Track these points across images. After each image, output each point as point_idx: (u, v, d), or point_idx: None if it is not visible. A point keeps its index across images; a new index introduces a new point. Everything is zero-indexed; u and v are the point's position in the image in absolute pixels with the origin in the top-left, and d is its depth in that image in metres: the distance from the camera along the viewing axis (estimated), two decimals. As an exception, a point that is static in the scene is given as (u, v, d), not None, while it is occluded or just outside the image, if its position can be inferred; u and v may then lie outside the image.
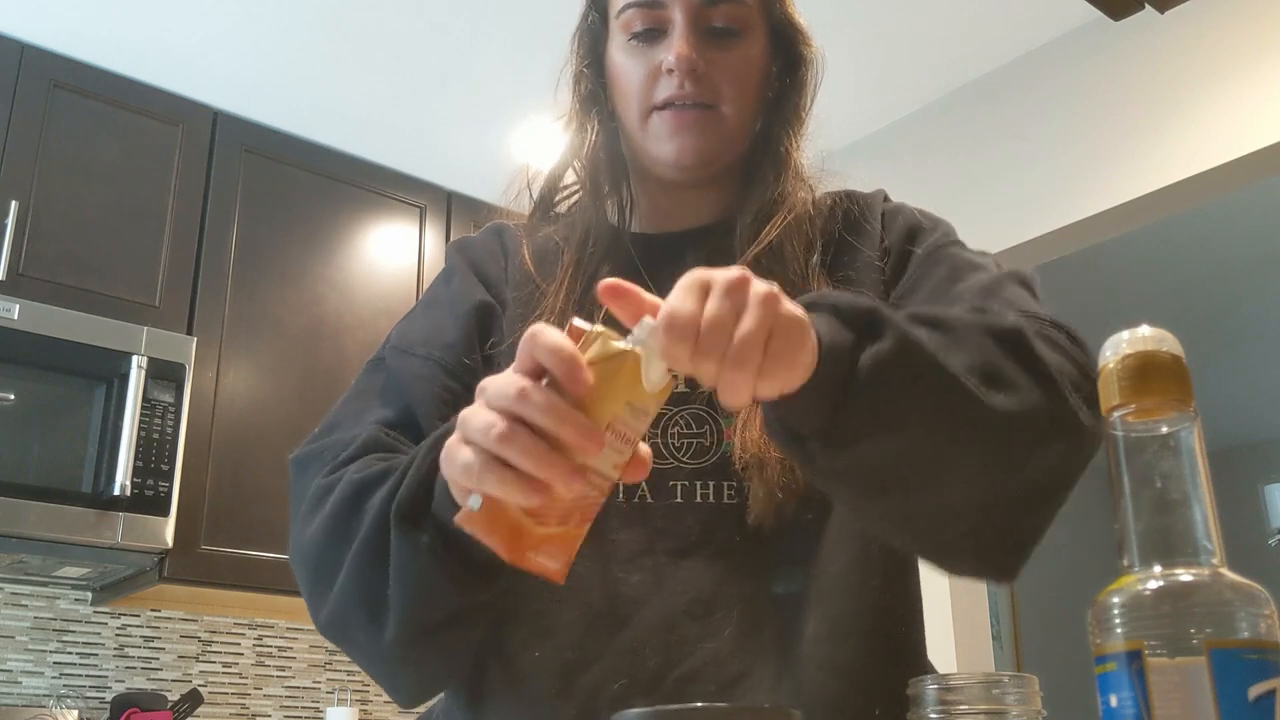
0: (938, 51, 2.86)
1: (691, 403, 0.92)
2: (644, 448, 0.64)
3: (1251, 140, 2.37)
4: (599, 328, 0.62)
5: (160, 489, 2.50)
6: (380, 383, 0.96)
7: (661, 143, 0.95)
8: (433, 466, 0.74)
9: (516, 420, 0.60)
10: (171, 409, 2.56)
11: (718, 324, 0.61)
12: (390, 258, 3.16)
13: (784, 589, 0.87)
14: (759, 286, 0.63)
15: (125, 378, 2.51)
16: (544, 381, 0.61)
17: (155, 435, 2.52)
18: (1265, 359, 4.80)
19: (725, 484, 0.89)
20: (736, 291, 0.62)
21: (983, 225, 2.79)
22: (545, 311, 0.93)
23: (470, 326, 0.95)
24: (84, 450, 2.46)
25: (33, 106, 2.66)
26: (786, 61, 1.01)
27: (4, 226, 2.51)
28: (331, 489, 0.85)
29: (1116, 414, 0.54)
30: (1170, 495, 0.52)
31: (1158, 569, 0.51)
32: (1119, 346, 0.55)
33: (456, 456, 0.63)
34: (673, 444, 0.90)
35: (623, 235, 0.99)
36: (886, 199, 1.04)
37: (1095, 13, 2.40)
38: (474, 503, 0.62)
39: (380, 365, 0.98)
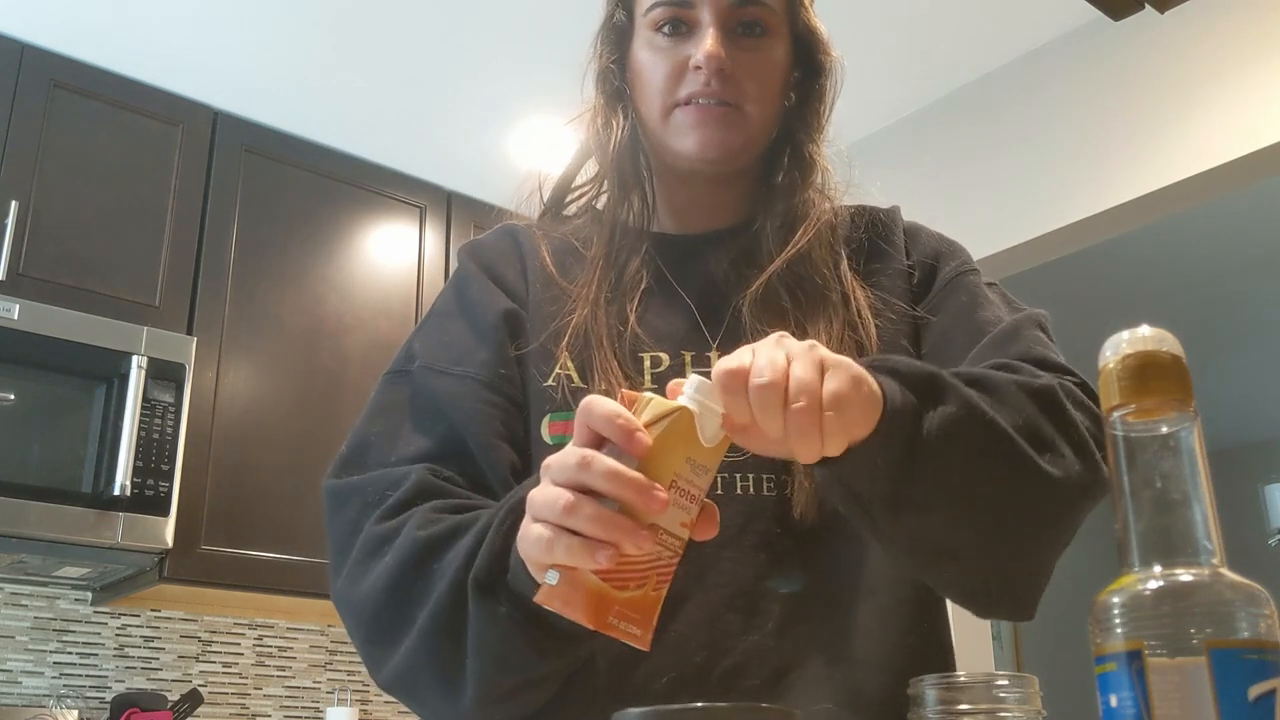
0: (937, 52, 2.86)
1: None
2: (710, 504, 0.66)
3: (1251, 140, 2.37)
4: (648, 393, 0.65)
5: (160, 489, 2.50)
6: (406, 398, 0.94)
7: (684, 136, 0.96)
8: (509, 535, 0.74)
9: (581, 490, 0.63)
10: (171, 409, 2.56)
11: (769, 368, 0.65)
12: (390, 258, 3.16)
13: (824, 584, 0.88)
14: (799, 343, 0.68)
15: (125, 378, 2.51)
16: (604, 449, 0.63)
17: (155, 435, 2.51)
18: (1265, 359, 4.80)
19: (764, 477, 0.90)
20: (781, 344, 0.67)
21: (983, 225, 2.79)
22: (580, 303, 0.94)
23: (500, 339, 0.94)
24: (84, 450, 2.46)
25: (33, 106, 2.66)
26: (806, 68, 1.03)
27: (4, 226, 2.51)
28: (388, 540, 0.83)
29: (1116, 414, 0.54)
30: (1170, 495, 0.52)
31: (1158, 569, 0.51)
32: (1119, 346, 0.55)
33: (529, 534, 0.66)
34: None
35: (646, 234, 1.00)
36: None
37: (1095, 13, 2.41)
38: (551, 578, 0.64)
39: (403, 379, 0.96)
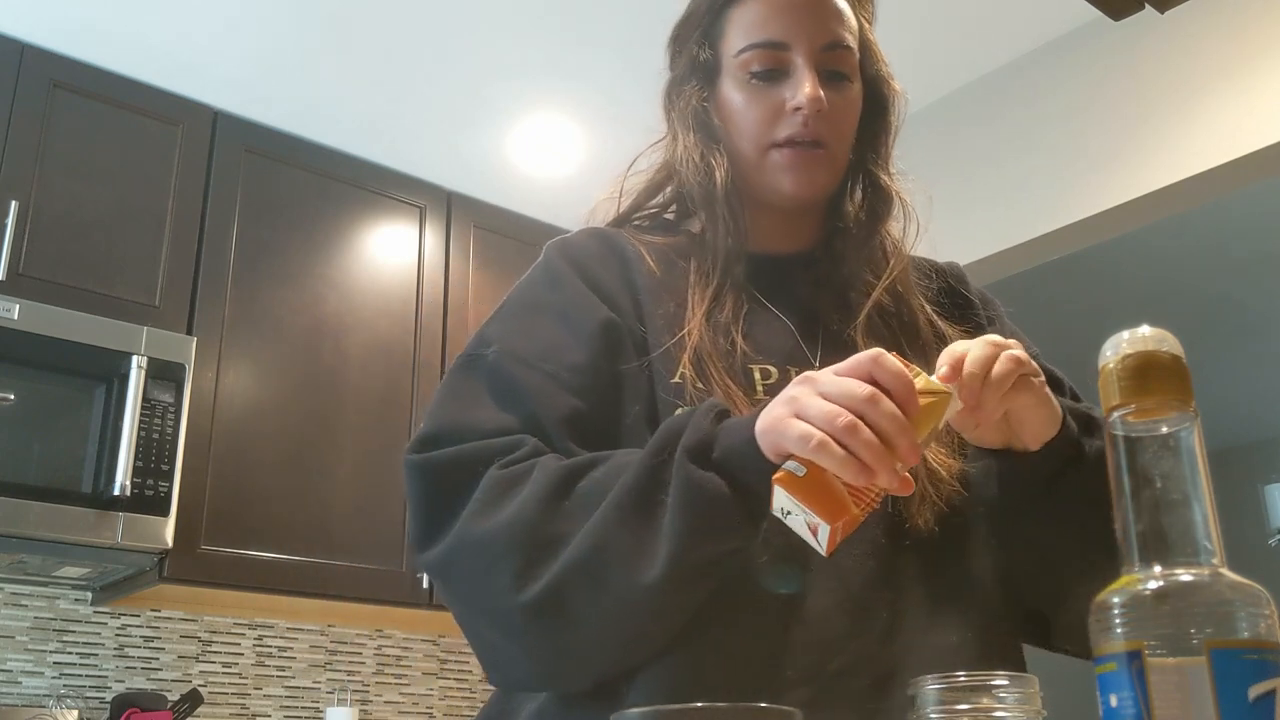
0: (937, 52, 2.86)
1: None
2: (907, 475, 0.77)
3: (1251, 140, 2.37)
4: (915, 367, 0.78)
5: (160, 489, 2.50)
6: (483, 385, 0.96)
7: (780, 176, 1.03)
8: (714, 422, 0.83)
9: (859, 417, 0.73)
10: (171, 409, 2.56)
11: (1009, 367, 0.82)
12: (390, 258, 3.16)
13: (926, 595, 0.92)
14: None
15: (125, 378, 2.51)
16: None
17: (155, 435, 2.51)
18: (1265, 359, 4.79)
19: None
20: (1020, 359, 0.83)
21: (983, 226, 2.79)
22: (690, 324, 0.98)
23: (598, 348, 0.96)
24: (84, 450, 2.46)
25: (33, 106, 2.66)
26: (874, 103, 1.09)
27: (4, 226, 2.51)
28: (521, 477, 0.86)
29: (1116, 414, 0.54)
30: (1170, 495, 0.52)
31: (1158, 569, 0.51)
32: (1119, 346, 0.55)
33: (790, 428, 0.76)
34: None
35: (741, 258, 1.04)
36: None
37: (1095, 13, 2.40)
38: (797, 469, 0.75)
39: (476, 364, 0.98)
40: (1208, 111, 2.46)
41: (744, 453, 0.80)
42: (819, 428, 0.74)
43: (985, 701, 0.56)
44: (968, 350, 0.81)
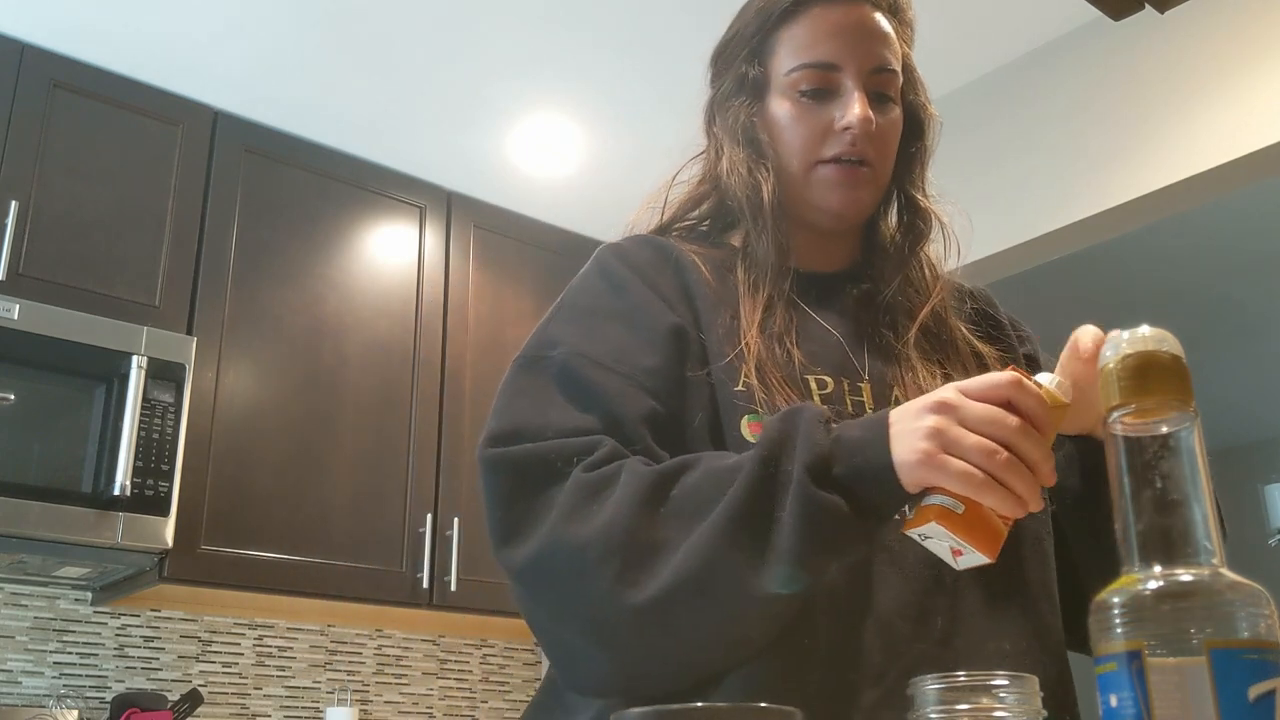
0: (937, 52, 2.86)
1: None
2: None
3: (1251, 140, 2.37)
4: (1037, 379, 0.80)
5: (160, 489, 2.49)
6: (552, 384, 0.95)
7: (827, 193, 1.05)
8: (826, 433, 0.83)
9: (1004, 446, 0.75)
10: (171, 409, 2.56)
11: None
12: (390, 258, 3.16)
13: (982, 600, 0.95)
14: None
15: (125, 378, 2.51)
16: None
17: (155, 435, 2.51)
18: (1265, 359, 4.79)
19: None
20: None
21: (982, 226, 2.78)
22: (748, 343, 0.98)
23: (670, 352, 0.97)
24: (84, 450, 2.46)
25: (33, 106, 2.66)
26: (912, 126, 1.12)
27: (4, 226, 2.51)
28: (611, 480, 0.85)
29: (1116, 414, 0.54)
30: (1170, 495, 0.52)
31: (1158, 569, 0.51)
32: (1119, 346, 0.55)
33: (947, 465, 0.76)
34: None
35: (787, 273, 1.06)
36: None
37: (1095, 13, 2.40)
38: (954, 505, 0.76)
39: (542, 364, 0.97)
40: (1208, 111, 2.46)
41: (879, 480, 0.80)
42: (977, 465, 0.75)
43: (985, 701, 0.56)
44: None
